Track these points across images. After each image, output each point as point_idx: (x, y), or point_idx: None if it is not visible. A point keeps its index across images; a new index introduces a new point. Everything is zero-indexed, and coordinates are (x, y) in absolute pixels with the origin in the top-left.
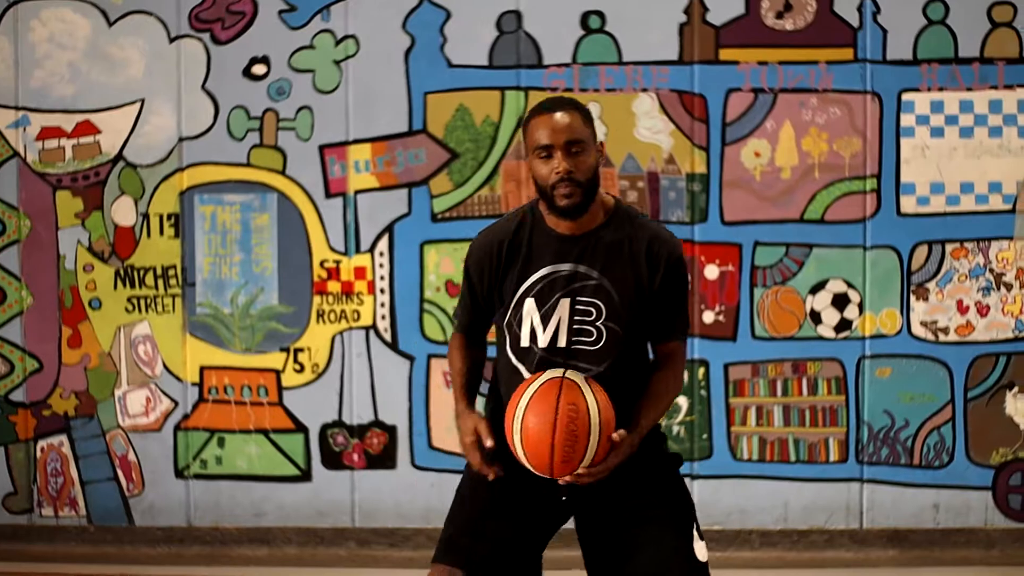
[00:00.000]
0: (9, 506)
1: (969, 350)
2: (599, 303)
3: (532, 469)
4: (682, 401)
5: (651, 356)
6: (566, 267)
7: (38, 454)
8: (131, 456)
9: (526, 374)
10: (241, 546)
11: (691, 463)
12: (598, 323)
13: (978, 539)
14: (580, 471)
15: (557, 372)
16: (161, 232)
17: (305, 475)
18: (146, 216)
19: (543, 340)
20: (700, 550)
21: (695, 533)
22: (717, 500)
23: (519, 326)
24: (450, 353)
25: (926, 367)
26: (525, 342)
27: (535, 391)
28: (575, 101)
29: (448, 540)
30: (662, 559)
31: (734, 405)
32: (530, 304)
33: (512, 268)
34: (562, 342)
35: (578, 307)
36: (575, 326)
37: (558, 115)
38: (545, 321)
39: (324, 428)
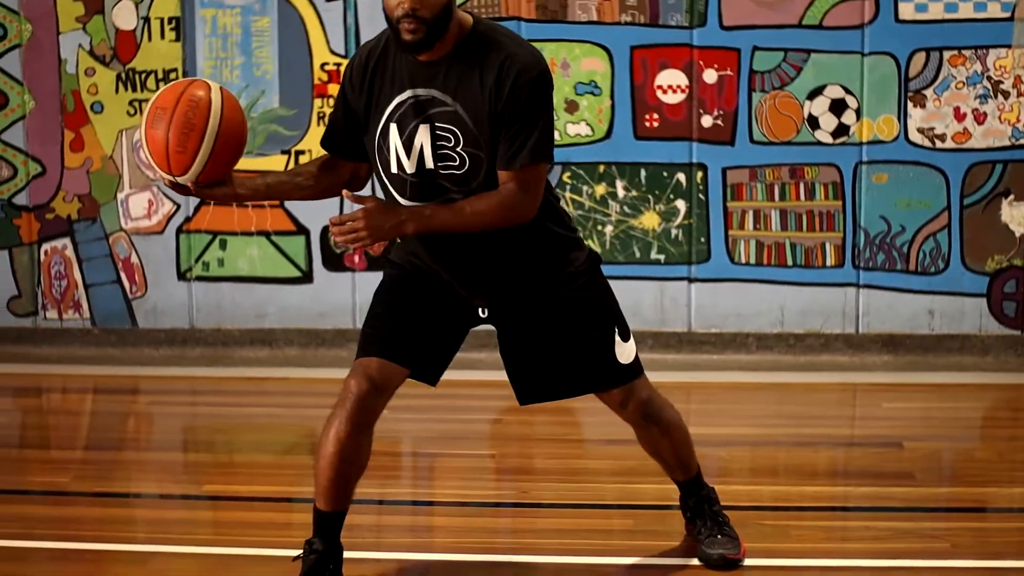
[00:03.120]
0: (14, 309)
1: (966, 157)
2: (455, 129)
3: (152, 161)
4: (680, 205)
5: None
6: (422, 92)
7: (42, 257)
8: (134, 259)
9: (402, 201)
10: (243, 347)
11: (689, 266)
12: (457, 149)
13: (972, 345)
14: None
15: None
16: (162, 36)
17: (306, 277)
18: (147, 20)
19: (409, 166)
20: (623, 353)
21: (616, 338)
22: (715, 304)
23: (388, 152)
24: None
25: (923, 173)
26: (394, 168)
27: (168, 85)
28: None
29: (366, 336)
30: (585, 372)
31: (732, 209)
32: (393, 130)
33: (377, 89)
34: (429, 164)
35: (437, 132)
36: (439, 151)
37: None
38: (408, 147)
39: (325, 230)
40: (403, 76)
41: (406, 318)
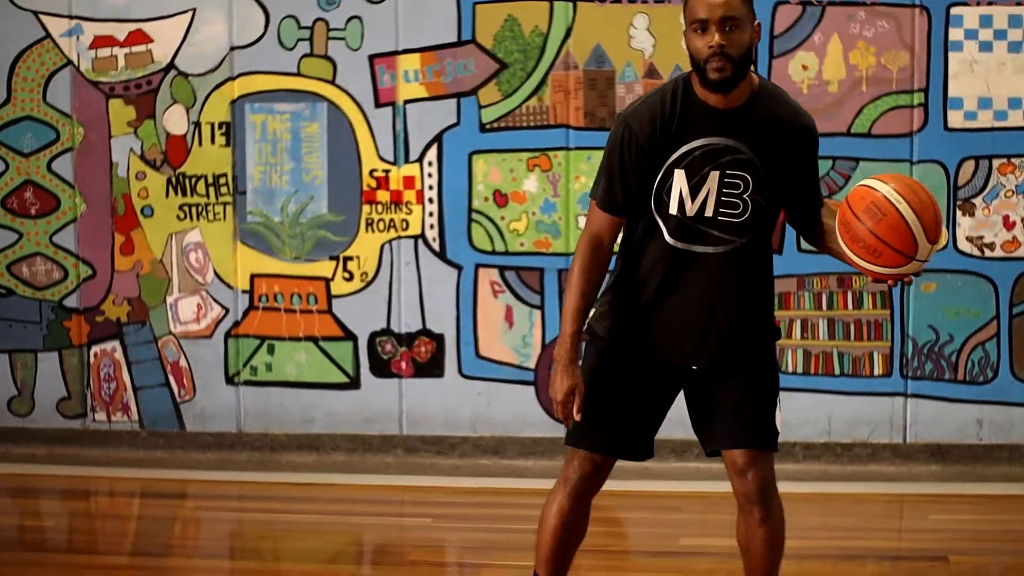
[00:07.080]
0: (63, 410)
1: (1015, 266)
2: (747, 176)
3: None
4: None
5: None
6: (718, 140)
7: (91, 359)
8: (182, 362)
9: (667, 237)
10: (290, 452)
11: None
12: (745, 195)
13: (1021, 455)
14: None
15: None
16: (212, 141)
17: (353, 382)
18: (197, 125)
19: (691, 209)
20: (778, 419)
21: (777, 402)
22: None
23: (667, 195)
24: (581, 257)
25: (971, 282)
26: (673, 210)
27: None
28: None
29: (587, 427)
30: (748, 423)
31: (779, 318)
32: (679, 175)
33: (663, 140)
34: (709, 212)
35: (727, 179)
36: (723, 198)
37: None
38: (694, 192)
39: (373, 336)
40: (695, 126)
41: (623, 408)
